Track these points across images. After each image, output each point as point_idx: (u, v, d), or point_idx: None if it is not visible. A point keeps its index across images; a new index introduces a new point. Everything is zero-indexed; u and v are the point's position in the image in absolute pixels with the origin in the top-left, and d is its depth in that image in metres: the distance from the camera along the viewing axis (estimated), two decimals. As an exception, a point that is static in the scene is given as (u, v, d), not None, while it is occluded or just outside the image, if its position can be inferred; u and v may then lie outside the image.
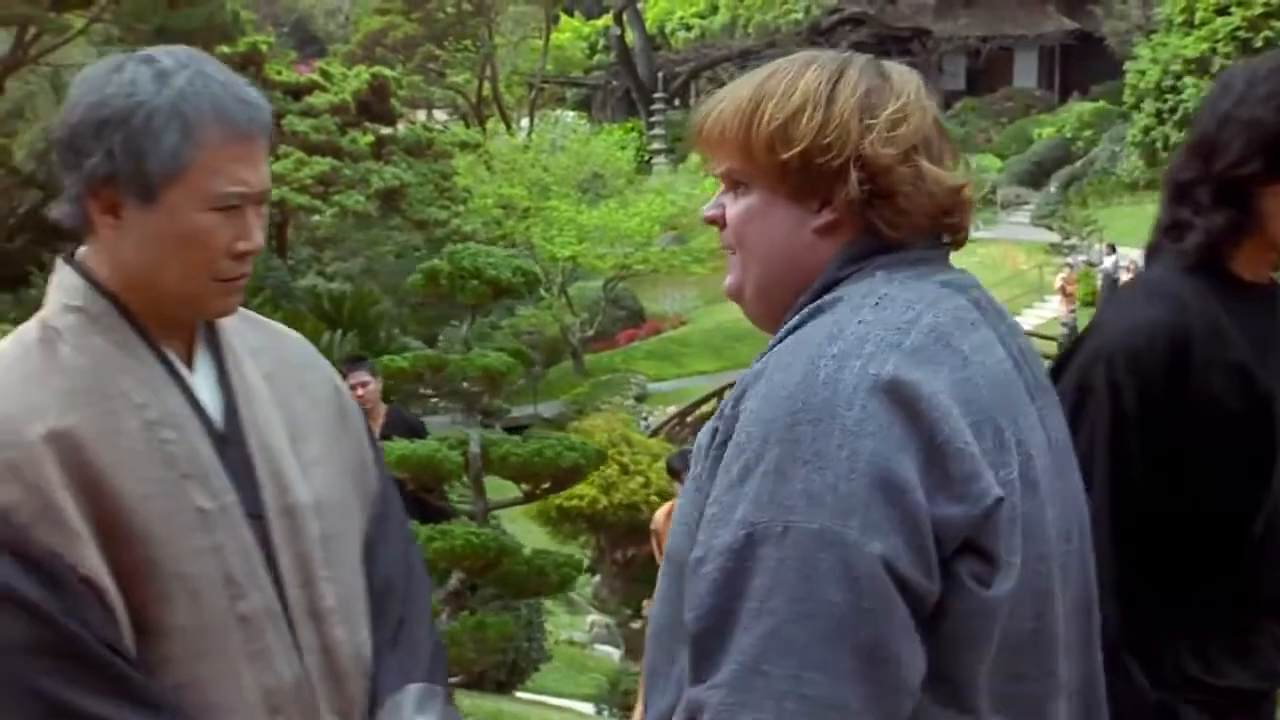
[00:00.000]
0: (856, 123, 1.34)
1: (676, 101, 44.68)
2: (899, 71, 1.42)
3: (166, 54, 1.53)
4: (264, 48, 26.72)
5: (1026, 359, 1.40)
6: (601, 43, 46.71)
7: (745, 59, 45.36)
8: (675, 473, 7.51)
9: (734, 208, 1.43)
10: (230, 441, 1.59)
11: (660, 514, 7.87)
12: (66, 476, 1.45)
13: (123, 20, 21.29)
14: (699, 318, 30.98)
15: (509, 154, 29.21)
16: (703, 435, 1.37)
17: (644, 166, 35.65)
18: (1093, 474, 1.68)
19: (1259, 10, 29.19)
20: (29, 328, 1.57)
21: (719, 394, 21.06)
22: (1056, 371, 1.87)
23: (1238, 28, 29.37)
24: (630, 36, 43.62)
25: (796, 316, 1.36)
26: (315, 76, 28.55)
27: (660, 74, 42.73)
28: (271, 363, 1.70)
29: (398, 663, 1.69)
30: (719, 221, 1.45)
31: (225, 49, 23.65)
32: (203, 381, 1.61)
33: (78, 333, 1.54)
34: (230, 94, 1.51)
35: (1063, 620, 1.34)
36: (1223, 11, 29.62)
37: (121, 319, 1.55)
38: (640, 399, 24.76)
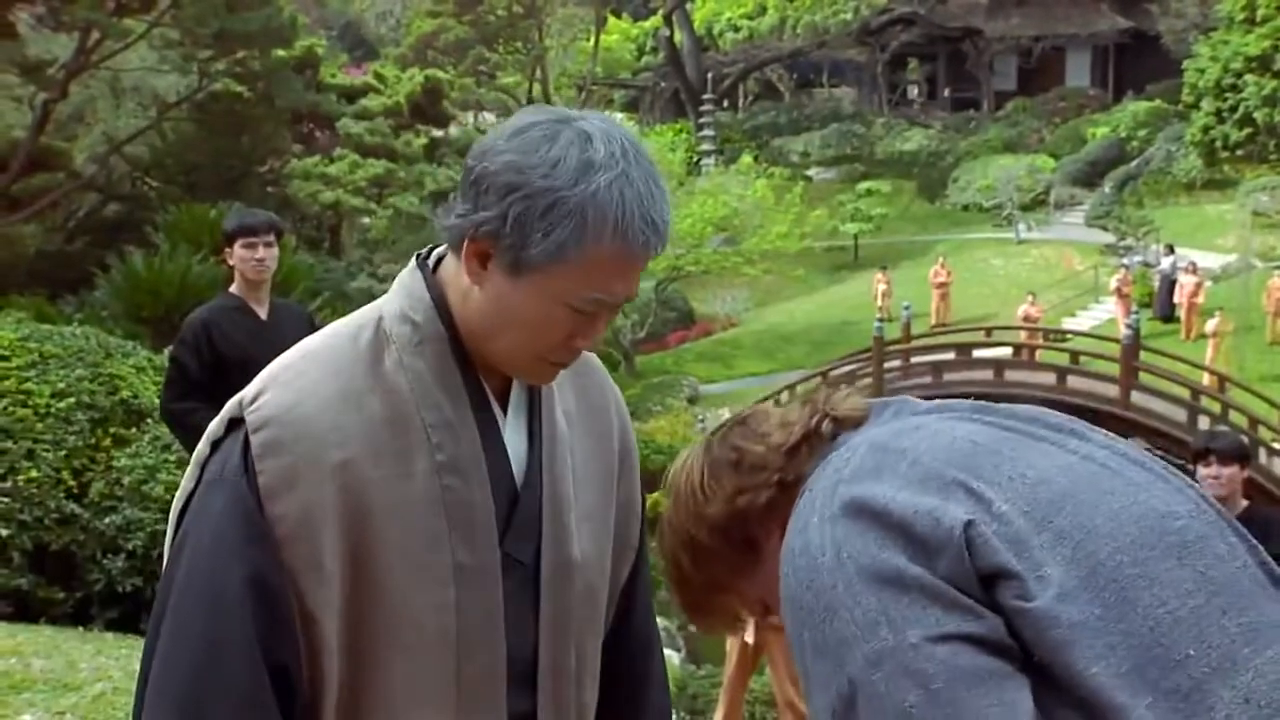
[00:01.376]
0: (689, 522, 1.50)
1: (725, 103, 44.63)
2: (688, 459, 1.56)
3: (604, 137, 1.47)
4: (319, 51, 26.92)
5: (1019, 418, 1.44)
6: (650, 44, 46.72)
7: (794, 59, 45.30)
8: None
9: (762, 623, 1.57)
10: (528, 488, 1.59)
11: None
12: (341, 508, 1.46)
13: (183, 24, 21.46)
14: (750, 319, 30.92)
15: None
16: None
17: (694, 168, 35.60)
18: None
19: (1322, 7, 28.76)
20: (365, 323, 1.57)
21: (773, 396, 20.99)
22: None
23: (1301, 25, 28.95)
24: (679, 38, 43.59)
25: None
26: (369, 79, 28.73)
27: (709, 75, 42.70)
28: (573, 399, 1.70)
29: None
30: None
31: (282, 52, 23.88)
32: (513, 423, 1.61)
33: (405, 349, 1.53)
34: (641, 211, 1.45)
35: (1213, 595, 1.27)
36: (1285, 8, 29.19)
37: (449, 349, 1.54)
38: (692, 400, 24.72)
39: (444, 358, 1.54)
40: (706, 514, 1.49)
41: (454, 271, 1.55)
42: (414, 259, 1.60)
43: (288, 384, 1.51)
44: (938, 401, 1.53)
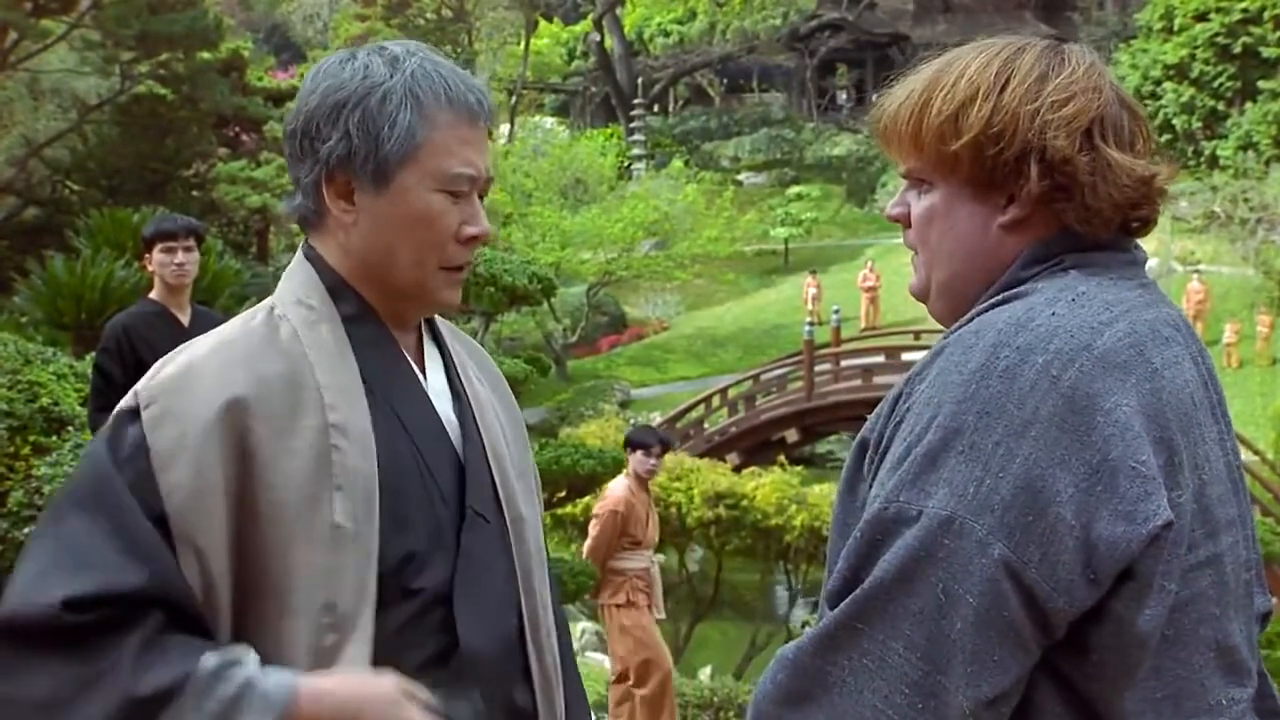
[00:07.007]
0: (1026, 109, 1.29)
1: (656, 107, 44.69)
2: (1075, 52, 1.37)
3: (396, 43, 1.57)
4: (245, 53, 26.56)
5: (1212, 380, 1.34)
6: (580, 49, 46.62)
7: (724, 64, 45.48)
8: (638, 445, 7.17)
9: (916, 207, 1.39)
10: (468, 442, 1.59)
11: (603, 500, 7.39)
12: (226, 446, 1.43)
13: (104, 26, 21.06)
14: (681, 323, 30.98)
15: (490, 160, 29.11)
16: (869, 425, 1.32)
17: (624, 172, 35.61)
18: None
19: (1238, 16, 29.49)
20: (257, 310, 1.58)
21: (705, 400, 21.04)
22: None
23: (1217, 33, 29.66)
24: (609, 42, 43.56)
25: (987, 302, 1.31)
26: (296, 82, 28.38)
27: (639, 80, 42.72)
28: (478, 370, 1.71)
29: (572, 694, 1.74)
30: (903, 220, 1.41)
31: (207, 54, 23.53)
32: (434, 381, 1.62)
33: (301, 325, 1.54)
34: (458, 79, 1.54)
35: (1245, 644, 1.31)
36: (1202, 18, 29.90)
37: (343, 330, 1.55)
38: (624, 405, 24.71)
39: (339, 336, 1.54)
40: (1003, 102, 1.31)
41: (324, 244, 1.58)
42: (299, 251, 1.62)
43: (175, 358, 1.53)
44: (1160, 293, 1.37)
